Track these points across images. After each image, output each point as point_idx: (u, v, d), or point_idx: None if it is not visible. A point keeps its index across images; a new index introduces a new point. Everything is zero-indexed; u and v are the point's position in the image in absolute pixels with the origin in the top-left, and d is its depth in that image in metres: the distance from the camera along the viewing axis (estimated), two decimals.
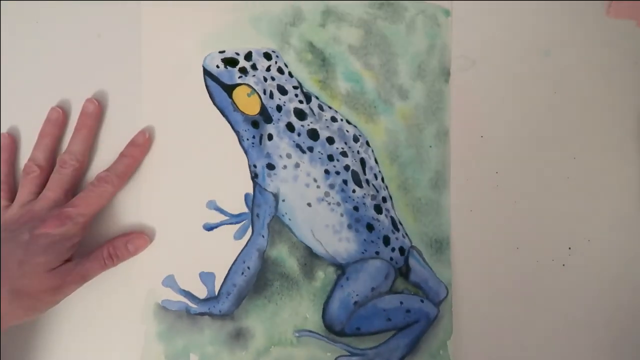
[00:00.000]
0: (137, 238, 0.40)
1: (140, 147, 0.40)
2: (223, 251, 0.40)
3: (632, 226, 0.42)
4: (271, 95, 0.41)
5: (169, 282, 0.40)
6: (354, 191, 0.41)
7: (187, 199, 0.41)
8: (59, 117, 0.41)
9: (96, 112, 0.41)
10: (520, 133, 0.42)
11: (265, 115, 0.41)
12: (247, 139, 0.41)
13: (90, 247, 0.39)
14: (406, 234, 0.41)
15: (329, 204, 0.41)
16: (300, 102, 0.41)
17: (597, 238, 0.42)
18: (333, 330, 0.40)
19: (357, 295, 0.40)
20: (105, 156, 0.41)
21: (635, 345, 0.42)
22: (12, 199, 0.40)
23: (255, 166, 0.41)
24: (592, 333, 0.42)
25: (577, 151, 0.42)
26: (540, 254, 0.42)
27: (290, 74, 0.41)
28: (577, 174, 0.42)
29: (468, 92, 0.42)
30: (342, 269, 0.41)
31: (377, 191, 0.41)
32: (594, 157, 0.43)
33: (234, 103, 0.41)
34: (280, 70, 0.41)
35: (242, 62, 0.41)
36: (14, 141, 0.41)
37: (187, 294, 0.40)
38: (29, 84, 0.42)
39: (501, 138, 0.42)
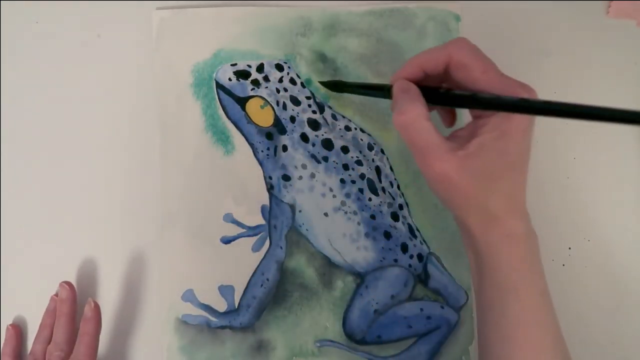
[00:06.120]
0: None
1: (91, 320, 0.38)
2: (241, 264, 0.40)
3: (632, 226, 0.42)
4: (284, 107, 0.41)
5: (189, 296, 0.40)
6: (370, 199, 0.41)
7: (204, 212, 0.41)
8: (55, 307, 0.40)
9: (70, 297, 0.39)
10: None
11: (279, 127, 0.41)
12: (262, 151, 0.41)
13: None
14: (424, 241, 0.41)
15: (346, 213, 0.41)
16: (314, 112, 0.41)
17: (597, 238, 0.42)
18: (354, 339, 0.40)
19: (377, 303, 0.40)
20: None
21: (635, 345, 0.42)
22: None
23: (270, 178, 0.41)
24: (591, 333, 0.42)
25: (577, 151, 0.43)
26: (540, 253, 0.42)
27: (302, 85, 0.41)
28: (577, 174, 0.42)
29: None
30: (361, 278, 0.41)
31: (394, 198, 0.41)
32: (594, 157, 0.43)
33: (248, 115, 0.41)
34: (292, 81, 0.41)
35: (254, 74, 0.41)
36: (19, 333, 0.40)
37: (207, 308, 0.40)
38: (28, 84, 0.42)
39: None
